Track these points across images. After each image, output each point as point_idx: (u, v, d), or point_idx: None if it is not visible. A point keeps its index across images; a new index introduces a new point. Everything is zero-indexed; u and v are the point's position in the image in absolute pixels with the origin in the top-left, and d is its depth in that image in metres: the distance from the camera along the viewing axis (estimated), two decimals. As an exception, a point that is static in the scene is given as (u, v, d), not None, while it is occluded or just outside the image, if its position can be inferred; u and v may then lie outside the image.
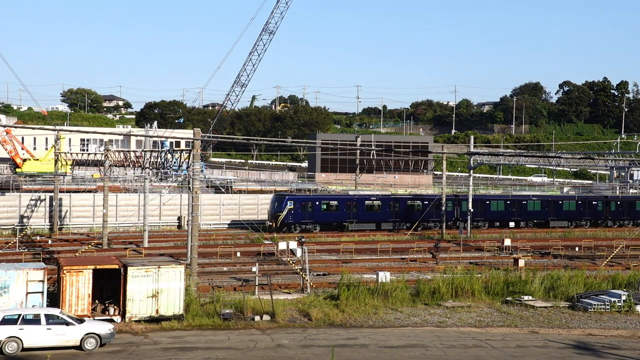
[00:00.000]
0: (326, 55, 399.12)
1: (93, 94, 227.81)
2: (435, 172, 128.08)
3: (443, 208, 67.38)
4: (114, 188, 73.59)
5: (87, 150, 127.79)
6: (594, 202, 79.45)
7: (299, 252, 43.30)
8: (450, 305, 36.83)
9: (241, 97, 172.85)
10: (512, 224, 74.27)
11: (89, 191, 74.05)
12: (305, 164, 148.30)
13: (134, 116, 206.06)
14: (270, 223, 66.11)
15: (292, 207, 65.56)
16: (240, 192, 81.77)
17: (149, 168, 52.90)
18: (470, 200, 67.86)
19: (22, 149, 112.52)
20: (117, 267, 31.96)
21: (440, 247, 52.88)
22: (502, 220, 74.76)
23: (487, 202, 75.13)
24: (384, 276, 39.05)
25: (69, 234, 62.64)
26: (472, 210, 67.77)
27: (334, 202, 68.60)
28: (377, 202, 69.79)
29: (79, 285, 31.07)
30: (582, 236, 67.85)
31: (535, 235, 69.78)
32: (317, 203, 67.57)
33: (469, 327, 33.09)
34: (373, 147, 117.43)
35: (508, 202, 75.62)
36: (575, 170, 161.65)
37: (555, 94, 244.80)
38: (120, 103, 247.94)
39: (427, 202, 70.33)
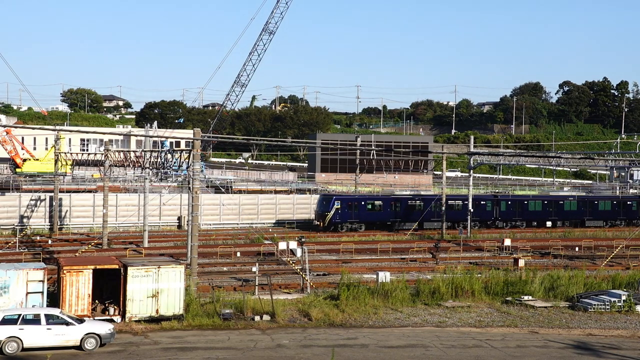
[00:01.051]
0: (326, 55, 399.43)
1: (93, 94, 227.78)
2: (435, 172, 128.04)
3: (443, 208, 67.71)
4: (114, 188, 73.57)
5: (87, 150, 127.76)
6: (629, 202, 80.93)
7: (299, 252, 43.31)
8: (450, 305, 36.82)
9: (241, 97, 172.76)
10: (549, 224, 76.20)
11: (89, 191, 74.05)
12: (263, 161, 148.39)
13: (134, 116, 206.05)
14: (318, 222, 68.64)
15: (339, 207, 68.06)
16: (240, 192, 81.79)
17: (149, 168, 52.90)
18: (471, 200, 68.32)
19: (22, 149, 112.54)
20: (117, 267, 31.95)
21: (440, 247, 52.90)
22: (539, 220, 76.49)
23: (525, 202, 76.58)
24: (384, 276, 39.04)
25: (69, 234, 62.64)
26: (472, 210, 68.24)
27: (379, 202, 70.76)
28: (420, 202, 71.89)
29: (79, 285, 31.07)
30: (582, 236, 67.89)
31: (535, 235, 69.82)
32: (363, 203, 69.80)
33: (469, 327, 33.09)
34: (373, 147, 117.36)
35: (545, 202, 77.29)
36: (575, 170, 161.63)
37: (555, 94, 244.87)
38: (120, 103, 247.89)
39: (467, 203, 71.79)
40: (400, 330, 32.11)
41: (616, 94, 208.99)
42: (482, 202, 74.41)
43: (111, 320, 30.74)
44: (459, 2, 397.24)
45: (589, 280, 41.19)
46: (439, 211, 70.05)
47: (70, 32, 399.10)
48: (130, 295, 31.31)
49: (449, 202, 71.56)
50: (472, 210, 68.21)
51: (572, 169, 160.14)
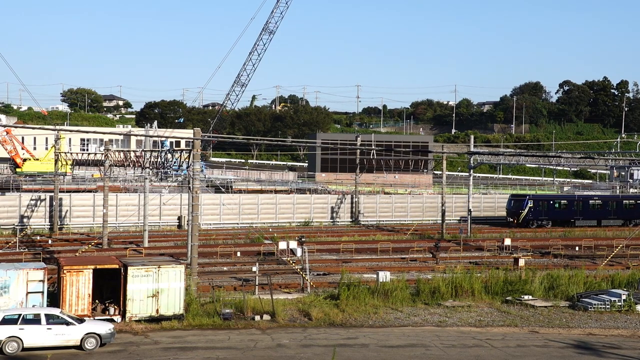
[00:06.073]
0: (326, 55, 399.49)
1: (93, 94, 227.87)
2: (435, 172, 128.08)
3: (443, 207, 67.74)
4: (114, 188, 73.57)
5: (87, 150, 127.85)
6: None
7: (299, 252, 43.30)
8: (450, 304, 36.81)
9: (241, 96, 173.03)
10: None
11: (89, 191, 74.08)
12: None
13: (134, 116, 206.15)
14: (512, 219, 75.82)
15: (531, 205, 75.27)
16: (240, 192, 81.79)
17: (149, 168, 52.95)
18: (470, 199, 68.43)
19: (22, 148, 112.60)
20: (117, 267, 31.94)
21: (440, 246, 52.89)
22: None
23: None
24: (384, 276, 39.01)
25: (69, 234, 62.61)
26: (471, 209, 68.40)
27: (564, 202, 78.02)
28: (599, 202, 78.97)
29: (79, 285, 31.06)
30: (582, 236, 67.90)
31: (535, 235, 69.86)
32: (552, 202, 77.34)
33: (469, 327, 33.08)
34: (373, 147, 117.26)
35: None
36: (575, 169, 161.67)
37: (555, 93, 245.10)
38: (120, 103, 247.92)
39: (639, 202, 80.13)
40: (401, 330, 32.10)
41: (616, 93, 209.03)
42: (638, 202, 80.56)
43: (111, 320, 30.71)
44: (458, 2, 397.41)
45: (589, 279, 41.14)
46: (616, 210, 78.33)
47: (70, 32, 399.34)
48: (130, 295, 31.30)
49: (624, 201, 79.04)
50: (471, 209, 68.52)
51: (572, 169, 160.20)
